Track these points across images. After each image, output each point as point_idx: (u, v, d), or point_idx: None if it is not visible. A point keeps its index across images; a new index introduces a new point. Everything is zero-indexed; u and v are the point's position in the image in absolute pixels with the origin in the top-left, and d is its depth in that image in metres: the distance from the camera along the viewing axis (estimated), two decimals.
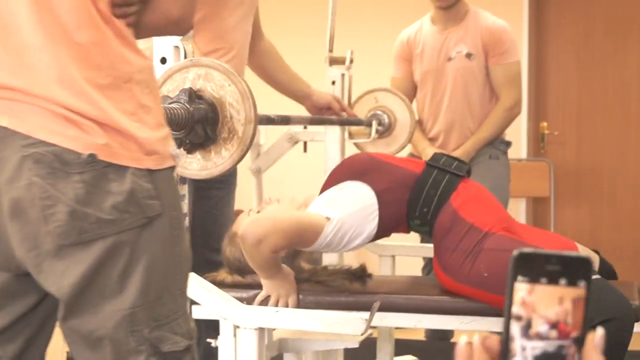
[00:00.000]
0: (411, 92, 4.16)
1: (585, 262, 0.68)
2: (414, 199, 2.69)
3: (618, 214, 6.11)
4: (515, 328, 0.68)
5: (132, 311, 1.41)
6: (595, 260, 2.88)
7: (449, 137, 4.13)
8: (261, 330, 2.44)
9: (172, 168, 1.50)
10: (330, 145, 3.50)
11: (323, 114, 3.27)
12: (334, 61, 3.52)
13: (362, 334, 2.38)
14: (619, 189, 6.11)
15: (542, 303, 0.68)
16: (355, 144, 3.66)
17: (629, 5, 6.02)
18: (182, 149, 2.05)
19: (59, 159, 1.36)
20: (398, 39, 4.27)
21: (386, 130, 3.64)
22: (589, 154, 6.15)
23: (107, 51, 1.42)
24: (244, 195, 4.22)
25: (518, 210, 5.97)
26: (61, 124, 1.36)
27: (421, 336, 4.62)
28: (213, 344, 2.51)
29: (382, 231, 2.73)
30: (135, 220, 1.40)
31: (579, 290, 0.68)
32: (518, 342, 0.68)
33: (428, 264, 4.31)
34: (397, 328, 3.94)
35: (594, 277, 2.34)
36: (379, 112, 3.63)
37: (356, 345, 3.31)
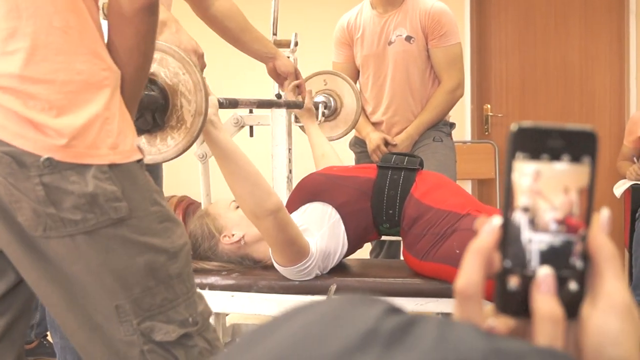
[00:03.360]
0: (353, 76, 4.13)
1: (590, 135, 0.63)
2: (377, 204, 2.69)
3: None
4: (522, 219, 0.63)
5: (118, 303, 1.42)
6: None
7: (392, 120, 4.10)
8: (217, 315, 2.40)
9: (139, 161, 1.47)
10: (276, 129, 3.46)
11: (281, 81, 3.22)
12: (278, 44, 3.48)
13: None
14: None
15: (548, 192, 0.63)
16: (302, 128, 3.62)
17: None
18: None
19: (16, 161, 1.35)
20: (338, 23, 4.23)
21: (332, 113, 3.61)
22: None
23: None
24: (190, 181, 4.17)
25: None
26: (22, 126, 1.35)
27: None
28: None
29: (353, 243, 2.72)
30: (102, 221, 1.39)
31: (584, 170, 0.63)
32: (525, 234, 0.63)
33: (376, 247, 4.29)
34: None
35: None
36: (326, 95, 3.60)
37: None
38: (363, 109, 4.13)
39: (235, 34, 3.13)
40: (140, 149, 1.47)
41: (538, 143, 0.63)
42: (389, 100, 4.09)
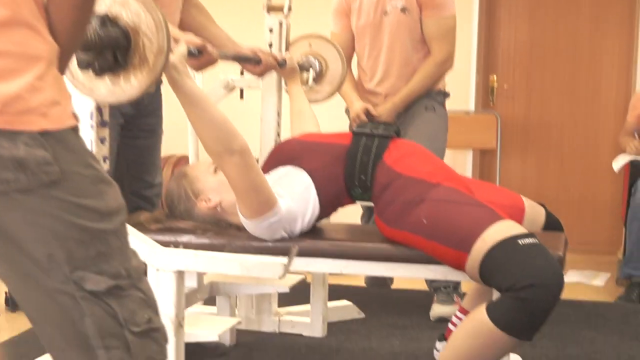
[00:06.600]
0: (351, 45, 4.19)
1: None
2: (349, 169, 2.74)
3: (564, 168, 6.18)
4: None
5: (52, 252, 1.46)
6: (541, 213, 2.93)
7: (386, 91, 4.14)
8: (180, 273, 2.46)
9: (74, 128, 1.51)
10: (266, 92, 3.51)
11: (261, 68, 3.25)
12: (272, 8, 3.52)
13: (280, 278, 2.41)
14: (566, 143, 6.18)
15: None
16: (287, 91, 3.65)
17: None
18: (90, 71, 2.07)
19: None
20: None
21: (317, 76, 3.65)
22: (538, 108, 6.20)
23: None
24: (181, 143, 4.23)
25: (465, 162, 6.02)
26: None
27: (362, 283, 4.68)
28: None
29: (325, 208, 2.78)
30: (33, 183, 1.43)
31: None
32: None
33: (366, 212, 4.35)
34: (336, 274, 3.99)
35: (531, 241, 2.37)
36: (311, 58, 3.63)
37: (286, 290, 3.36)
38: (352, 76, 4.19)
39: (210, 22, 3.20)
40: (75, 117, 1.52)
41: None
42: (383, 71, 4.14)
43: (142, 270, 1.61)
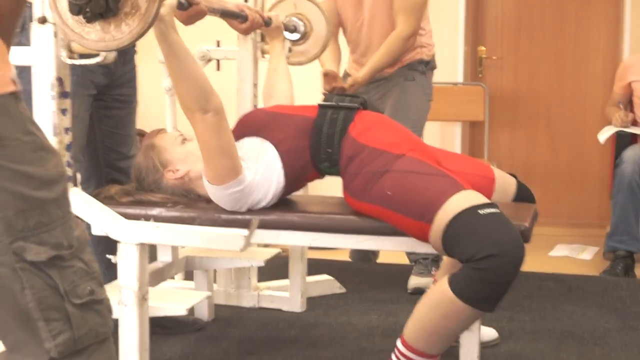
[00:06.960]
0: (337, 14, 4.15)
1: None
2: (315, 142, 2.70)
3: (553, 140, 6.14)
4: None
5: None
6: (512, 184, 2.89)
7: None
8: (142, 245, 2.42)
9: (13, 94, 1.48)
10: (243, 63, 3.47)
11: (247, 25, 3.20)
12: None
13: (241, 250, 2.37)
14: (555, 115, 6.13)
15: None
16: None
17: None
18: (81, 17, 2.03)
19: None
20: None
21: (301, 37, 3.59)
22: (526, 79, 6.15)
23: None
24: (157, 113, 4.19)
25: (453, 135, 5.98)
26: None
27: (346, 257, 4.65)
28: (113, 260, 2.51)
29: (291, 182, 2.74)
30: None
31: None
32: None
33: None
34: (320, 248, 3.97)
35: (491, 210, 2.34)
36: (295, 19, 3.58)
37: (262, 264, 3.33)
38: (335, 46, 4.13)
39: None
40: (14, 82, 1.48)
41: None
42: (366, 44, 4.11)
43: (86, 240, 1.58)
